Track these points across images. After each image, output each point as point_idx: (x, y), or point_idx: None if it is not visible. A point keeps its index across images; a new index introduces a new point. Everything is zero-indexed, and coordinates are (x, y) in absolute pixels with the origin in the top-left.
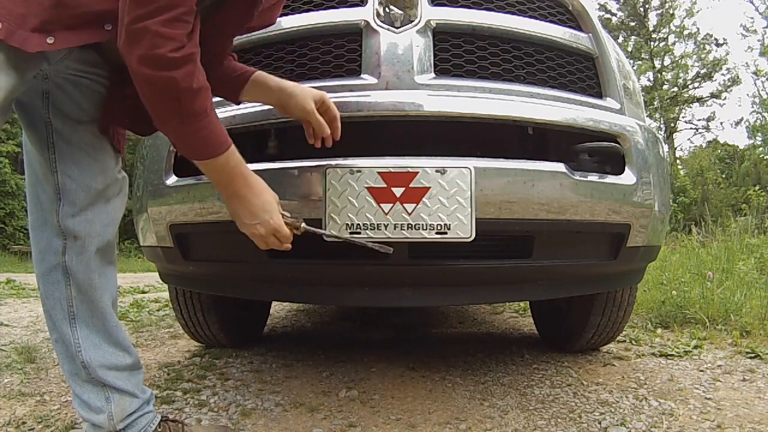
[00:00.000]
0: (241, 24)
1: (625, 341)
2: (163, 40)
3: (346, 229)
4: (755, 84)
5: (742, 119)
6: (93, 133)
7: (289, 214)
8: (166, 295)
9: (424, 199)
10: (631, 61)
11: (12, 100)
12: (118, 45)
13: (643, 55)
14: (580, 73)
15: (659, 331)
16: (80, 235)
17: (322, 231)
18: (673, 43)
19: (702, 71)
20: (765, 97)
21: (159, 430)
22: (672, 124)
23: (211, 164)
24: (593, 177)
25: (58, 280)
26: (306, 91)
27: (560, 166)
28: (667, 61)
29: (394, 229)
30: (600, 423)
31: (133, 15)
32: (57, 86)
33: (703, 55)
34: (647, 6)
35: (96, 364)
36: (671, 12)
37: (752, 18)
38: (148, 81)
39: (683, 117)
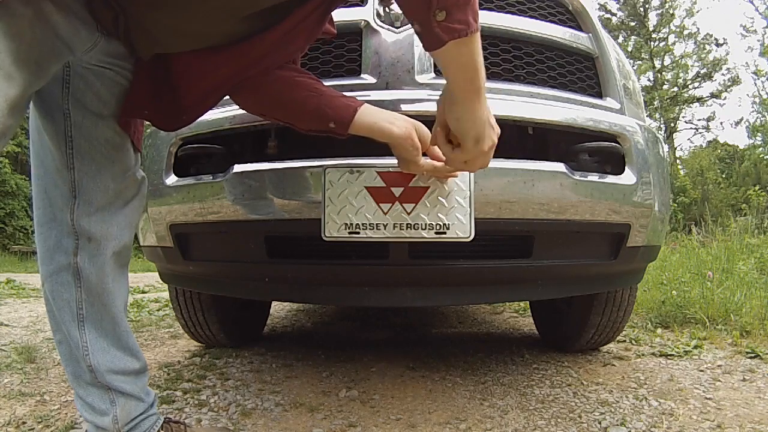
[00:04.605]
0: (316, 35)
1: (625, 341)
2: None
3: (345, 228)
4: (755, 84)
5: (742, 119)
6: (114, 129)
7: None
8: (166, 295)
9: (423, 198)
10: (631, 61)
11: (28, 97)
12: None
13: (643, 55)
14: (580, 73)
15: (659, 331)
16: (95, 237)
17: None
18: (673, 43)
19: (702, 71)
20: (765, 97)
21: (161, 431)
22: (672, 124)
23: (475, 39)
24: (593, 177)
25: (68, 281)
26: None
27: (560, 166)
28: (667, 61)
29: (393, 228)
30: (600, 423)
31: None
32: (78, 76)
33: (703, 55)
34: (647, 6)
35: (104, 369)
36: (671, 12)
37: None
38: None
39: (683, 117)
